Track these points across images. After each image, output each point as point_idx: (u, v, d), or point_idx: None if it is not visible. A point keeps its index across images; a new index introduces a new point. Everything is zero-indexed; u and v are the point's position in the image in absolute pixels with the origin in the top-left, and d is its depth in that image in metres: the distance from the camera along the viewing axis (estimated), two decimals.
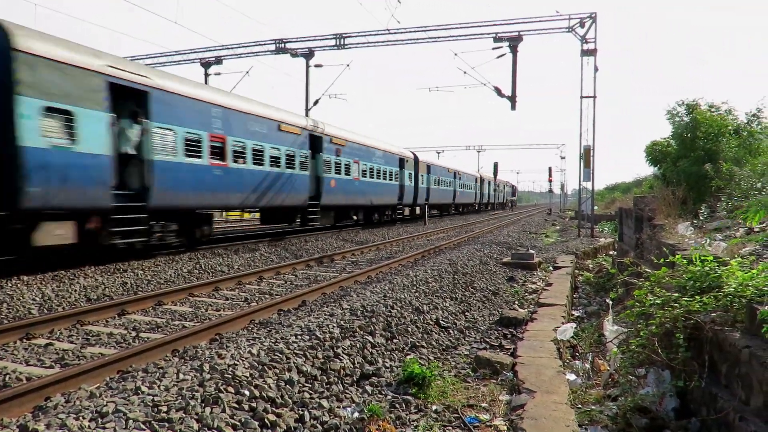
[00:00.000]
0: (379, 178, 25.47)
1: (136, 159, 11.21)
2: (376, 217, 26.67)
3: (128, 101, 11.01)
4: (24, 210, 8.87)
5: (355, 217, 24.65)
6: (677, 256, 5.35)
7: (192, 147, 12.61)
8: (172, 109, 12.00)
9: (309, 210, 18.74)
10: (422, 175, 32.49)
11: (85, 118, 9.74)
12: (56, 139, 9.26)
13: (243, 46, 25.75)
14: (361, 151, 23.35)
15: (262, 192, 15.56)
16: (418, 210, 32.66)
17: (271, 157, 15.97)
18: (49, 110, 9.11)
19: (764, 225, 7.48)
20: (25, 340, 6.05)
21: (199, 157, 12.87)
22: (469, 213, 48.06)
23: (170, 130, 11.93)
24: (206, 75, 26.56)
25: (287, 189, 16.94)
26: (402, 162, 28.67)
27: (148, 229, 11.53)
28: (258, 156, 15.30)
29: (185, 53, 26.41)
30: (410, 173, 30.05)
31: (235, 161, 14.28)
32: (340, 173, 20.99)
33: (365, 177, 23.75)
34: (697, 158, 13.59)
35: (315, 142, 18.99)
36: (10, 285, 8.59)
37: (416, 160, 31.60)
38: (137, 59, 24.92)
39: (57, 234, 9.54)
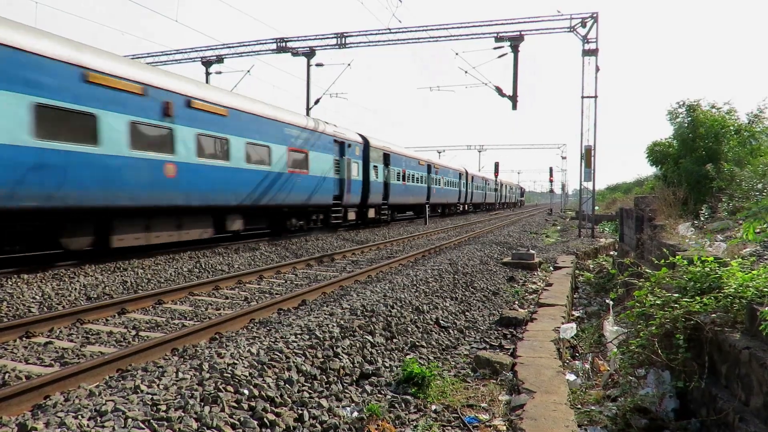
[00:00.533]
0: (451, 186, 40.10)
1: (384, 183, 25.31)
2: (447, 210, 41.01)
3: (385, 158, 25.41)
4: (367, 204, 23.45)
5: (439, 210, 38.82)
6: (678, 257, 5.34)
7: (398, 175, 27.40)
8: (395, 160, 26.80)
9: (425, 205, 32.88)
10: (469, 183, 46.71)
11: (379, 168, 24.39)
12: (375, 177, 23.66)
13: (244, 45, 25.74)
14: (444, 171, 38.20)
15: (413, 195, 30.56)
16: (466, 207, 47.91)
17: (414, 177, 30.78)
18: (374, 167, 23.64)
19: (765, 227, 7.47)
20: (24, 339, 6.06)
21: (398, 180, 27.43)
22: (471, 213, 49.48)
23: (394, 169, 26.59)
24: (207, 74, 26.56)
25: (419, 194, 31.80)
26: (460, 175, 43.37)
27: (389, 213, 27.15)
28: (412, 178, 30.26)
29: (186, 52, 26.40)
30: (464, 182, 44.63)
31: (407, 181, 29.14)
32: (435, 184, 35.53)
33: (446, 186, 38.59)
34: (698, 158, 13.55)
35: (429, 168, 33.84)
36: (10, 283, 8.59)
37: (466, 172, 45.70)
38: (138, 58, 24.93)
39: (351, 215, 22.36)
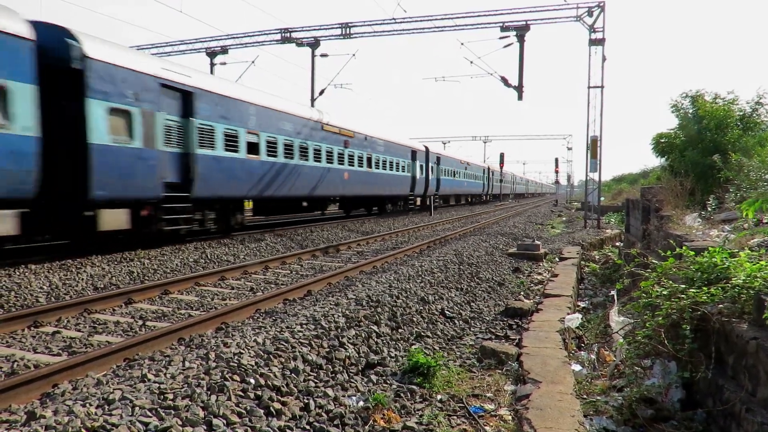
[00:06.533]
0: (508, 183, 68.71)
1: (499, 184, 61.88)
2: (503, 198, 64.30)
3: (493, 173, 57.13)
4: (490, 194, 57.52)
5: (501, 199, 63.31)
6: (684, 248, 5.31)
7: (499, 181, 61.13)
8: (496, 173, 58.16)
9: (503, 194, 65.77)
10: (511, 180, 72.38)
11: (496, 177, 58.92)
12: (495, 182, 59.89)
13: (249, 36, 25.64)
14: (511, 175, 73.95)
15: (504, 189, 66.59)
16: (512, 196, 74.43)
17: (506, 180, 67.77)
18: (492, 178, 57.53)
19: None
20: (32, 328, 6.10)
21: (501, 183, 62.66)
22: (480, 203, 50.95)
23: (496, 176, 59.74)
24: (212, 65, 26.51)
25: (507, 189, 70.00)
26: (513, 177, 70.15)
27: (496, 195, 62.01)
28: (504, 180, 65.75)
29: (191, 43, 26.35)
30: (505, 179, 65.65)
31: (505, 182, 67.10)
32: (510, 183, 73.60)
33: (508, 183, 69.51)
34: (703, 149, 13.45)
35: (513, 176, 76.75)
36: (18, 273, 8.65)
37: (512, 174, 73.89)
38: (143, 48, 24.89)
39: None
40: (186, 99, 12.48)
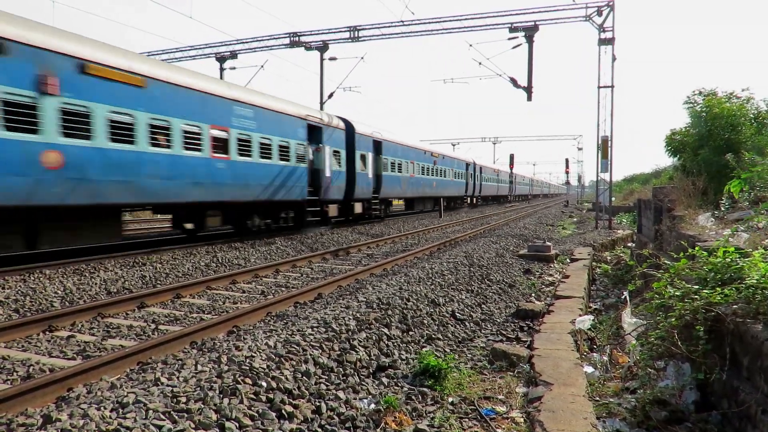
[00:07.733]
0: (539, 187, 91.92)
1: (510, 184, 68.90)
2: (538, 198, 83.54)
3: (520, 178, 71.65)
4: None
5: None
6: (697, 248, 5.26)
7: (522, 183, 74.07)
8: (519, 177, 71.45)
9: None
10: (532, 182, 71.99)
11: (515, 179, 65.96)
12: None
13: (258, 40, 25.78)
14: (540, 182, 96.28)
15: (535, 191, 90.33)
16: (540, 196, 79.67)
17: (540, 184, 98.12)
18: (513, 180, 68.71)
19: None
20: (47, 333, 6.18)
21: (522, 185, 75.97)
22: (493, 205, 50.87)
23: (517, 178, 66.42)
24: (221, 69, 26.69)
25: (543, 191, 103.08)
26: (545, 184, 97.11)
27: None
28: (538, 184, 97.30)
29: (200, 48, 26.55)
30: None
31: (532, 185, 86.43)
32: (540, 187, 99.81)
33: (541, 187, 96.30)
34: (716, 148, 13.28)
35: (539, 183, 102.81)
36: (33, 278, 8.76)
37: (539, 179, 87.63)
38: (153, 55, 25.14)
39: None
40: (467, 166, 39.51)
